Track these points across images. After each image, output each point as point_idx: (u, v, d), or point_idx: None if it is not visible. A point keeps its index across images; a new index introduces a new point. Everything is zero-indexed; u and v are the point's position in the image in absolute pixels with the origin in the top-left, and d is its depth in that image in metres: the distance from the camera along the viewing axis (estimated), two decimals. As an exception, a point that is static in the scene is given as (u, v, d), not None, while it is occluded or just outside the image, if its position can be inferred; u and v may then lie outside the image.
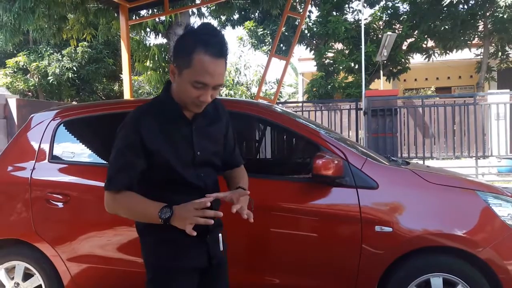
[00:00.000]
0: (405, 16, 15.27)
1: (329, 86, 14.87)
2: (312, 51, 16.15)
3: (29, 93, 17.85)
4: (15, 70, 16.87)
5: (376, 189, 2.79)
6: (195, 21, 11.02)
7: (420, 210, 2.80)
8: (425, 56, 15.49)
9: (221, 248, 1.87)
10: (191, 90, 1.67)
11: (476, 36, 15.14)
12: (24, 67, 16.82)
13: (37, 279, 3.25)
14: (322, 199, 2.87)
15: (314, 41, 16.18)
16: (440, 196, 2.84)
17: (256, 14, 16.54)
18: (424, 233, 2.74)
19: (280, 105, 10.27)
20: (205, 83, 1.65)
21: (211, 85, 1.67)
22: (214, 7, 10.96)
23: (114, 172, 1.78)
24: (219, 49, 1.65)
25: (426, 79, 20.53)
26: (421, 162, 8.22)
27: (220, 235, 1.87)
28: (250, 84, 22.72)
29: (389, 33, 12.73)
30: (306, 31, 15.75)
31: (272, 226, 2.90)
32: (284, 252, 2.91)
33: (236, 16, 16.76)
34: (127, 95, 7.37)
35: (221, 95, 20.05)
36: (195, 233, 1.63)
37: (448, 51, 15.00)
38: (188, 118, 1.80)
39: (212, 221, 1.69)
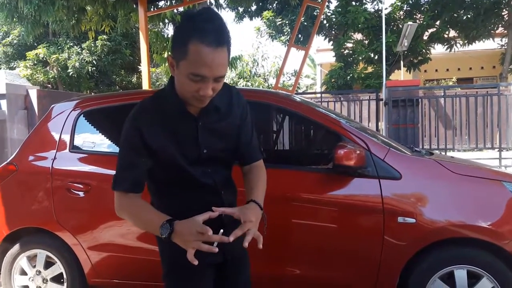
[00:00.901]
0: (427, 6, 15.00)
1: (348, 77, 14.73)
2: (331, 42, 15.99)
3: (49, 85, 18.08)
4: (35, 62, 17.08)
5: (399, 180, 2.74)
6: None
7: (444, 201, 2.74)
8: (446, 46, 15.20)
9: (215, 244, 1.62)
10: (189, 83, 1.51)
11: (500, 25, 14.77)
12: (44, 59, 17.02)
13: (58, 267, 3.29)
14: (344, 190, 2.83)
15: (333, 32, 16.02)
16: (465, 187, 2.78)
17: (274, 4, 16.44)
18: (448, 224, 2.69)
19: (299, 95, 10.18)
20: (203, 75, 1.48)
21: (210, 77, 1.50)
22: (232, -3, 10.91)
23: (118, 172, 1.72)
24: (217, 37, 1.47)
25: (447, 69, 20.20)
26: (442, 153, 8.09)
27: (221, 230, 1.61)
28: (267, 75, 22.68)
29: (409, 23, 12.53)
30: (325, 21, 15.60)
31: (293, 217, 2.87)
32: (305, 243, 2.88)
33: (254, 7, 16.67)
34: (145, 87, 7.39)
35: (238, 86, 20.00)
36: (196, 262, 1.52)
37: (470, 41, 14.68)
38: (193, 115, 1.67)
39: (217, 249, 1.55)
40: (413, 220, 2.66)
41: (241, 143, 1.82)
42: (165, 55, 11.12)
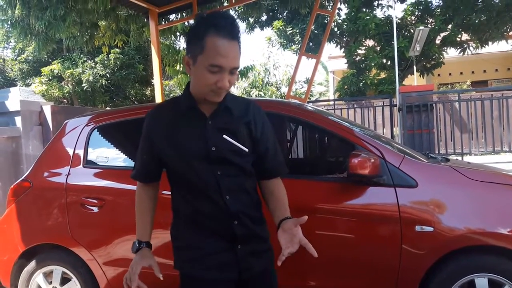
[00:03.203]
0: (438, 10, 14.89)
1: (361, 83, 14.66)
2: (343, 49, 15.96)
3: (64, 100, 18.28)
4: (50, 78, 17.28)
5: (415, 188, 2.69)
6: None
7: (462, 208, 2.69)
8: (459, 50, 15.06)
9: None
10: (207, 76, 1.62)
11: (513, 27, 14.59)
12: (59, 74, 17.21)
13: (74, 283, 3.29)
14: (359, 199, 2.78)
15: (344, 39, 15.98)
16: (482, 193, 2.72)
17: (285, 13, 16.47)
18: (467, 232, 2.63)
19: (311, 103, 10.15)
20: (220, 66, 1.60)
21: (227, 67, 1.61)
22: (242, 8, 10.95)
23: (135, 162, 1.96)
24: (230, 30, 1.61)
25: (461, 73, 20.01)
26: (459, 158, 7.99)
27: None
28: (279, 84, 22.67)
29: (421, 27, 12.44)
30: (335, 29, 15.58)
31: (308, 227, 2.82)
32: (321, 253, 2.82)
33: (264, 17, 16.73)
34: (158, 99, 7.42)
35: (251, 96, 20.04)
36: None
37: (483, 44, 14.52)
38: (204, 113, 1.74)
39: None
40: (431, 229, 2.61)
41: (257, 155, 1.84)
42: (177, 67, 11.19)
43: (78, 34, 9.59)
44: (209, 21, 1.62)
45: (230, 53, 1.61)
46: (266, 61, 22.43)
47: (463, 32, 14.69)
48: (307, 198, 2.84)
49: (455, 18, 13.99)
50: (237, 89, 21.25)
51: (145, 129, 1.84)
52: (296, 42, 16.28)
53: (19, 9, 8.80)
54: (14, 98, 5.64)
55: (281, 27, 16.28)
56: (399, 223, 2.65)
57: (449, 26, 14.59)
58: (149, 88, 19.87)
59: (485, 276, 2.60)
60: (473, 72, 19.83)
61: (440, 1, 15.21)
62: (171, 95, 20.01)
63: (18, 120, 5.54)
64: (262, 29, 17.47)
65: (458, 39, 14.84)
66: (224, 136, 1.73)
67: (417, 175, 2.72)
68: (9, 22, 10.24)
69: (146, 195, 1.95)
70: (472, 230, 2.63)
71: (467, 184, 2.72)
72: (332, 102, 11.31)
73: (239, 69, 1.69)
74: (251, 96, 19.53)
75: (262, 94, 20.64)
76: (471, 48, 14.99)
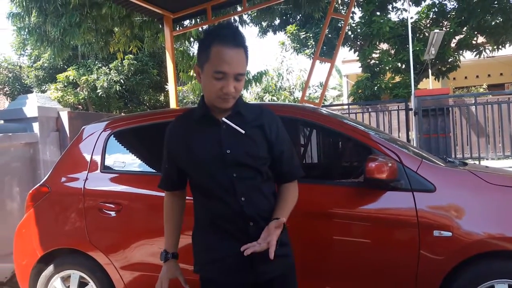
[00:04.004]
0: (453, 13, 14.76)
1: (376, 87, 14.56)
2: (357, 53, 15.89)
3: (79, 106, 18.48)
4: (65, 84, 17.49)
5: (434, 192, 2.66)
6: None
7: (481, 213, 2.65)
8: (475, 52, 14.90)
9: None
10: (213, 83, 1.71)
11: (530, 29, 14.40)
12: (74, 81, 17.42)
13: (92, 287, 3.30)
14: (376, 204, 2.76)
15: (358, 42, 15.92)
16: (502, 197, 2.68)
17: (298, 17, 16.47)
18: (486, 237, 2.59)
19: (325, 108, 10.11)
20: (224, 72, 1.69)
21: (230, 73, 1.69)
22: (255, 13, 10.98)
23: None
24: (233, 38, 1.71)
25: (477, 76, 19.78)
26: (476, 162, 7.89)
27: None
28: (293, 88, 22.67)
29: (436, 30, 12.34)
30: (349, 32, 15.53)
31: (325, 232, 2.82)
32: (338, 259, 2.81)
33: (277, 22, 16.74)
34: (173, 105, 7.46)
35: (264, 101, 20.04)
36: None
37: (500, 47, 14.35)
38: (217, 119, 1.82)
39: None
40: (449, 234, 2.58)
41: (282, 160, 1.90)
42: (191, 73, 11.24)
43: (93, 40, 9.71)
44: (213, 32, 1.73)
45: (233, 59, 1.69)
46: (279, 65, 22.48)
47: (478, 35, 14.55)
48: (323, 203, 2.83)
49: (470, 20, 13.86)
50: (250, 94, 21.29)
51: (165, 140, 1.93)
52: (310, 46, 16.25)
53: (36, 17, 8.94)
54: (32, 105, 5.69)
55: (294, 31, 16.26)
56: (417, 228, 2.62)
57: (465, 29, 14.46)
58: (163, 94, 20.00)
59: (506, 282, 2.55)
60: (489, 75, 19.59)
61: (455, 4, 15.09)
62: (185, 101, 20.11)
63: (35, 126, 5.59)
64: (275, 33, 17.50)
65: (474, 42, 14.70)
66: (223, 119, 1.81)
67: (435, 179, 2.69)
68: (26, 30, 10.42)
69: (171, 203, 2.05)
70: (492, 235, 2.59)
71: (486, 189, 2.68)
72: (346, 107, 11.25)
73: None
74: (264, 101, 19.53)
75: (275, 99, 20.66)
76: (487, 51, 14.83)
